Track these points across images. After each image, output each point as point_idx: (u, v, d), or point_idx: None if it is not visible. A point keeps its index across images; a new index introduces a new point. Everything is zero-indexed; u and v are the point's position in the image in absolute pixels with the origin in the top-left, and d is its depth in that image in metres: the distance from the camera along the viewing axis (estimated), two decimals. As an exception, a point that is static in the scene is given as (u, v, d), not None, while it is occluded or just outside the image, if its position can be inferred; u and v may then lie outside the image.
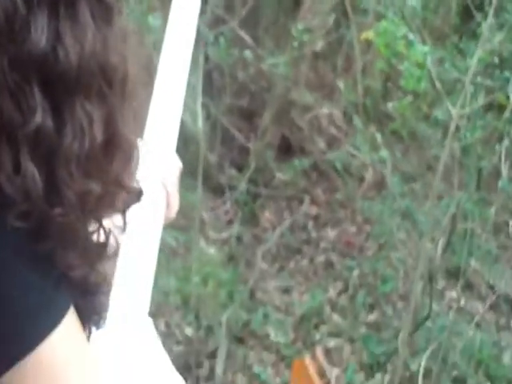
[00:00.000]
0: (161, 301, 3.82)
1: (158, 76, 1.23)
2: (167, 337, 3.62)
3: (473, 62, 2.97)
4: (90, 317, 0.88)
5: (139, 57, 0.90)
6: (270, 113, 4.43)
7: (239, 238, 4.16)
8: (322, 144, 4.31)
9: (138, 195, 0.91)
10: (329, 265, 3.82)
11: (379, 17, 3.78)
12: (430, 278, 2.93)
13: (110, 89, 0.81)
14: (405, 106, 3.26)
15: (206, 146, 4.52)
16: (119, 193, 0.84)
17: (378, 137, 3.57)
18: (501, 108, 2.85)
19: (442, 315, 2.97)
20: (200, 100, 3.92)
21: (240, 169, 4.48)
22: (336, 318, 3.48)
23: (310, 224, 4.08)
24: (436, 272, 2.94)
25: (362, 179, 4.11)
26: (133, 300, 1.01)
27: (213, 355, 3.51)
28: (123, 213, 0.90)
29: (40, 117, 0.75)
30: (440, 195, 3.02)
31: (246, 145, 4.51)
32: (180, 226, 4.28)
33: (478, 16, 3.19)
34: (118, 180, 0.83)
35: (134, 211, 1.05)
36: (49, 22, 0.75)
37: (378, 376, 3.01)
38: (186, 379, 3.29)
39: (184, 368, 3.44)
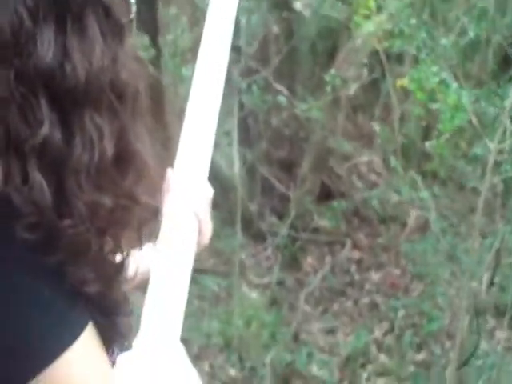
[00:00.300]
0: (204, 343, 3.88)
1: (190, 103, 1.22)
2: (212, 378, 3.66)
3: (509, 102, 3.06)
4: (114, 338, 0.88)
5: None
6: (308, 161, 4.54)
7: (281, 283, 4.21)
8: (362, 190, 4.39)
9: (153, 212, 0.91)
10: (373, 306, 3.86)
11: (414, 63, 3.90)
12: (477, 314, 2.95)
13: (121, 104, 0.83)
14: (442, 144, 3.33)
15: (246, 196, 4.63)
16: (132, 208, 0.84)
17: (418, 179, 3.62)
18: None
19: (491, 353, 2.97)
20: (236, 146, 4.04)
21: (281, 217, 4.57)
22: (383, 357, 3.50)
23: (353, 268, 4.13)
24: (482, 307, 2.96)
25: (404, 224, 4.17)
26: (164, 326, 0.99)
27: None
28: (138, 230, 0.90)
29: (47, 129, 0.76)
30: (483, 231, 3.06)
31: (286, 193, 4.61)
32: (222, 273, 4.38)
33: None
34: (131, 195, 0.84)
35: (165, 238, 1.10)
36: (56, 36, 0.77)
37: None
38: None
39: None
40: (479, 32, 3.71)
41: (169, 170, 1.16)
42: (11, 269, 0.76)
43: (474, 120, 3.13)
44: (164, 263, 1.07)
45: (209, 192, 1.18)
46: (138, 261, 1.18)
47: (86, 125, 0.78)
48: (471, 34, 3.59)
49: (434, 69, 3.35)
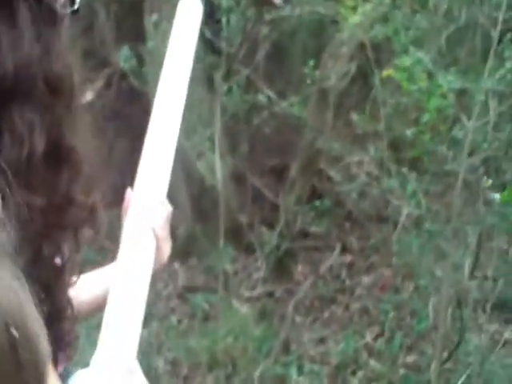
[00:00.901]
0: (193, 362, 3.78)
1: (152, 118, 1.27)
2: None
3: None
4: (59, 346, 0.86)
5: None
6: (297, 164, 4.42)
7: (272, 294, 4.09)
8: (353, 192, 4.25)
9: (90, 212, 0.86)
10: (364, 311, 3.71)
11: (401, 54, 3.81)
12: (459, 305, 2.80)
13: (54, 98, 0.79)
14: (423, 130, 3.23)
15: (236, 208, 4.53)
16: (68, 208, 0.80)
17: (405, 170, 3.50)
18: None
19: (477, 347, 2.81)
20: (218, 151, 3.95)
21: (271, 226, 4.45)
22: (373, 362, 3.34)
23: (344, 272, 4.00)
24: (465, 298, 2.82)
25: (396, 223, 4.02)
26: (121, 344, 1.01)
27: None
28: (75, 231, 0.85)
29: None
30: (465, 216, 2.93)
31: (276, 201, 4.49)
32: (213, 289, 4.26)
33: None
34: (66, 194, 0.80)
35: (123, 253, 1.13)
36: None
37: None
38: None
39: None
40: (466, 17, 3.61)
41: (128, 189, 1.19)
42: None
43: (453, 101, 3.03)
44: (122, 279, 1.10)
45: (167, 210, 1.20)
46: (98, 284, 1.22)
47: (15, 119, 0.75)
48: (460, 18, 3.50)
49: (419, 55, 3.29)
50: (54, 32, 0.80)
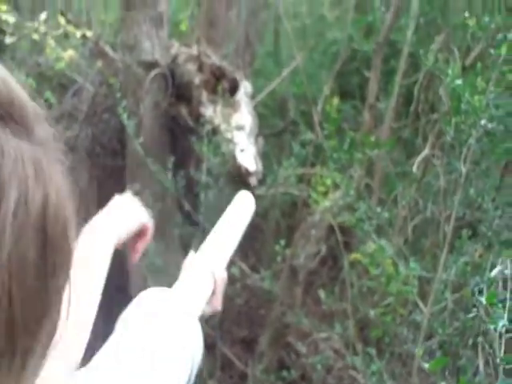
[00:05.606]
0: None
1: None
2: None
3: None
4: None
5: None
6: (266, 337, 4.74)
7: None
8: (320, 368, 4.53)
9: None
10: None
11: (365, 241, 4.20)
12: None
13: None
14: (385, 311, 3.59)
15: (206, 373, 4.79)
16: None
17: (372, 351, 3.81)
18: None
19: None
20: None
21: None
22: None
23: None
24: None
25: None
26: None
27: None
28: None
29: None
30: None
31: (244, 370, 4.77)
32: None
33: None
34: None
35: (182, 280, 1.33)
36: None
37: None
38: None
39: None
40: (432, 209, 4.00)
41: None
42: None
43: (414, 288, 3.39)
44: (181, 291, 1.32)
45: (225, 275, 1.42)
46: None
47: None
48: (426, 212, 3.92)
49: (382, 243, 3.65)
50: None
